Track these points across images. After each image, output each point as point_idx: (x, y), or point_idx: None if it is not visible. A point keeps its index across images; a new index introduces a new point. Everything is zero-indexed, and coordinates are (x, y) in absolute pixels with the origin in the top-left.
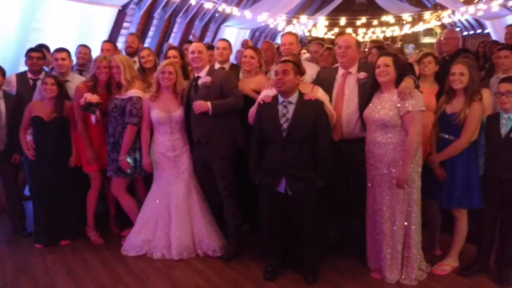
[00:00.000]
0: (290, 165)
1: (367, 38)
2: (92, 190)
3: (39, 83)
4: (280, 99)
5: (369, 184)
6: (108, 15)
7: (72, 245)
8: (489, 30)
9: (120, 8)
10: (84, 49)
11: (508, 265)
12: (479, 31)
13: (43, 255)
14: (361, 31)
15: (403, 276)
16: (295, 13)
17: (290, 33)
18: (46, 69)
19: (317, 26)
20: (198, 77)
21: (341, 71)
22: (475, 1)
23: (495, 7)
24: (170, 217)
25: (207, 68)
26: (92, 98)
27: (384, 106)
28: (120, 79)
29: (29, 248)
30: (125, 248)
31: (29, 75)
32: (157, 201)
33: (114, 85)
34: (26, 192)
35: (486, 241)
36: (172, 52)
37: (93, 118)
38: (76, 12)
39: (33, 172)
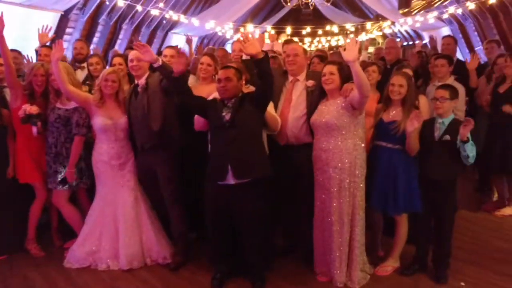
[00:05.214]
0: (235, 153)
1: (313, 47)
2: (37, 201)
3: None
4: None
5: (317, 188)
6: (49, 20)
7: (10, 260)
8: (426, 41)
9: (63, 13)
10: (14, 54)
11: (443, 263)
12: (417, 41)
13: None
14: (307, 40)
15: (346, 278)
16: (242, 22)
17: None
18: None
19: (264, 35)
20: (137, 85)
21: (289, 78)
22: (413, 13)
23: (431, 19)
24: (117, 226)
25: (146, 74)
26: (32, 109)
27: (330, 110)
28: (60, 87)
29: None
30: (68, 260)
31: None
32: (102, 211)
33: (52, 93)
34: None
35: (422, 241)
36: (117, 60)
37: (34, 129)
38: (14, 16)
39: None
